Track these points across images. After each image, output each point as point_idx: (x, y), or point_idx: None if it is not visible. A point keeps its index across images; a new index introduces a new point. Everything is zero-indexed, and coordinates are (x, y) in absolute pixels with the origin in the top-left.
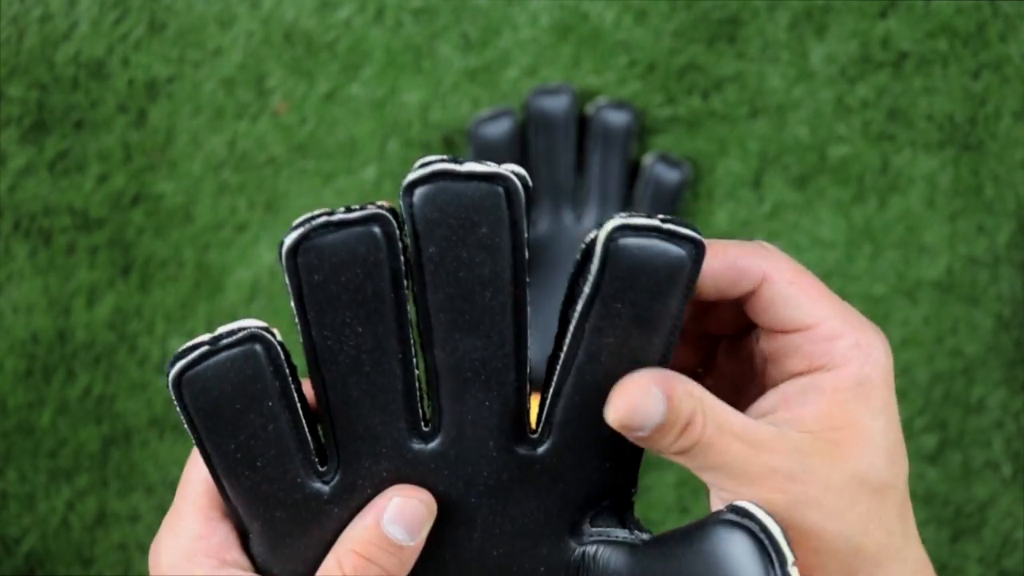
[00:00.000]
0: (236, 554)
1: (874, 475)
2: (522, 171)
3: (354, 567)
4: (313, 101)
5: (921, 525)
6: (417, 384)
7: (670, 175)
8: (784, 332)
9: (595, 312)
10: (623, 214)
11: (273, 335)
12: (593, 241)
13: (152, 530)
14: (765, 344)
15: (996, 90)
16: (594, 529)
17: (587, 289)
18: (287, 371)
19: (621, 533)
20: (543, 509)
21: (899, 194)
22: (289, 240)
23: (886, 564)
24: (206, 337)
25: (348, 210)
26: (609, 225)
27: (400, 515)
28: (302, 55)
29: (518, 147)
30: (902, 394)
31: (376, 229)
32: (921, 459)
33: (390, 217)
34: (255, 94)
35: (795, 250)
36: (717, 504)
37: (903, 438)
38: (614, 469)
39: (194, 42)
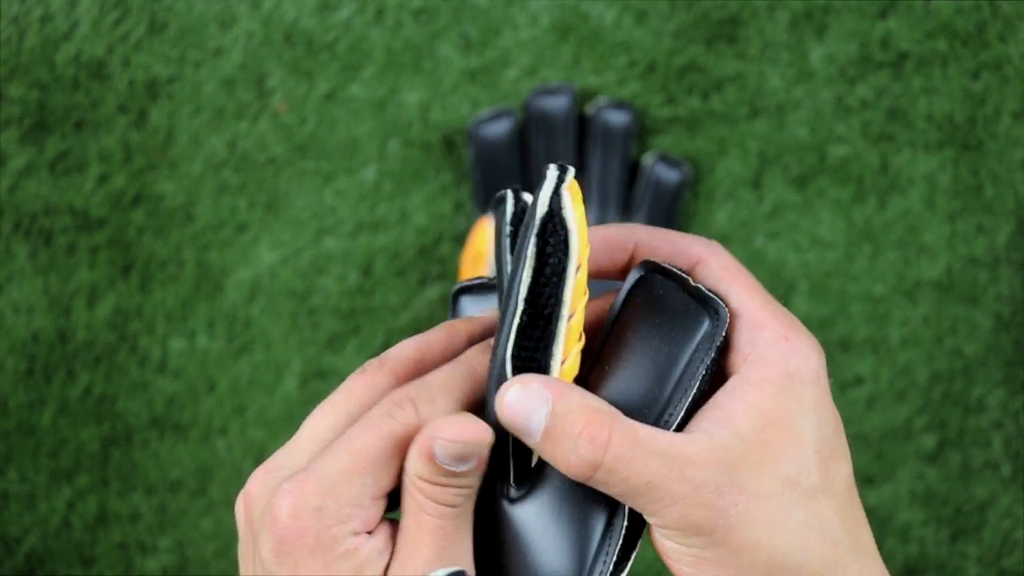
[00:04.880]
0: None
1: (805, 480)
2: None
3: (431, 494)
4: (313, 101)
5: (921, 525)
6: None
7: (670, 175)
8: None
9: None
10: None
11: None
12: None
13: (153, 530)
14: None
15: (996, 90)
16: None
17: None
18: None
19: None
20: None
21: (899, 194)
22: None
23: None
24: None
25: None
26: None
27: (446, 449)
28: (302, 55)
29: (518, 147)
30: (901, 394)
31: None
32: (921, 459)
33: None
34: (255, 94)
35: (795, 250)
36: (658, 539)
37: (842, 440)
38: None
39: (194, 42)
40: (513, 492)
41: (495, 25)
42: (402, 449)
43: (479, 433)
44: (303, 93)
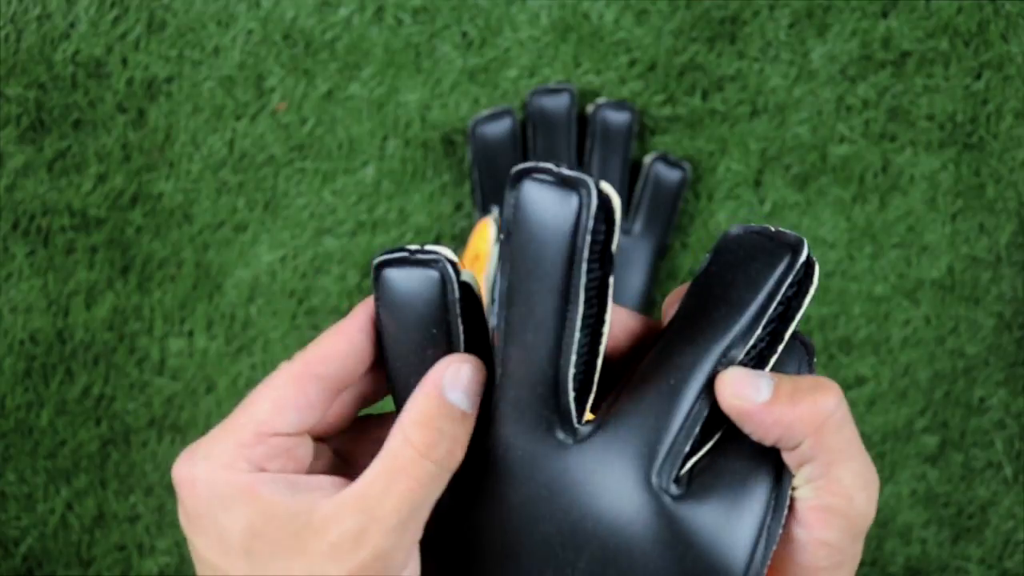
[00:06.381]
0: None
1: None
2: (608, 189)
3: (425, 442)
4: (312, 101)
5: (922, 526)
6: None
7: (670, 175)
8: None
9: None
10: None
11: (457, 272)
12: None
13: (151, 530)
14: None
15: (997, 89)
16: None
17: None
18: (458, 310)
19: None
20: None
21: (900, 194)
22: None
23: None
24: (413, 247)
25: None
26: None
27: (457, 382)
28: (301, 54)
29: (518, 147)
30: (903, 395)
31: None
32: (922, 460)
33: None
34: (254, 93)
35: None
36: (812, 506)
37: None
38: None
39: (193, 41)
40: (675, 490)
41: (495, 24)
42: (296, 380)
43: (479, 364)
44: (302, 92)
